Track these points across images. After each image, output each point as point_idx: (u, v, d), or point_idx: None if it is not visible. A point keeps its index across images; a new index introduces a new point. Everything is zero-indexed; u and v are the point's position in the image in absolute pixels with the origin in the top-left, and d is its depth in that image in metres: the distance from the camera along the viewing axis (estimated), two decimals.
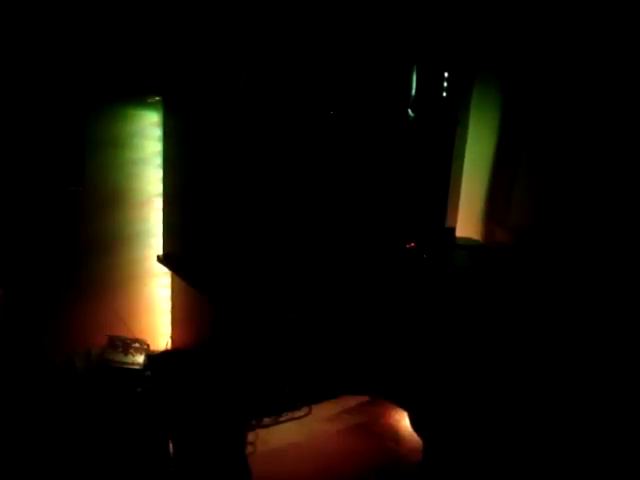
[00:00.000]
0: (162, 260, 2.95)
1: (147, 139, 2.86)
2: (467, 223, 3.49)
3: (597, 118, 2.91)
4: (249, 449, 2.61)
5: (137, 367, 2.86)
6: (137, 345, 2.97)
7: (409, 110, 3.03)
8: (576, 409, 2.80)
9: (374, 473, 2.58)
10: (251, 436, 2.67)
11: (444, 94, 3.13)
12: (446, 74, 3.11)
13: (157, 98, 2.79)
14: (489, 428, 2.78)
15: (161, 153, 2.88)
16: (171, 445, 2.53)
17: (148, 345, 3.01)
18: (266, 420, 2.78)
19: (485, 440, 2.73)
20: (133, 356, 2.89)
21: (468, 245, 3.28)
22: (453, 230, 3.41)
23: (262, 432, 2.73)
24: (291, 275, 2.75)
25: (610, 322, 2.84)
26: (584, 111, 2.96)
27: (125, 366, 2.85)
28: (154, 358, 2.95)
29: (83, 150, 2.70)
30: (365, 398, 3.02)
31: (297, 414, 2.85)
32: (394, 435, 2.83)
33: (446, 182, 3.30)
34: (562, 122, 3.06)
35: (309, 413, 2.87)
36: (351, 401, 2.97)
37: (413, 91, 3.01)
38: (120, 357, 2.88)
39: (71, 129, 2.65)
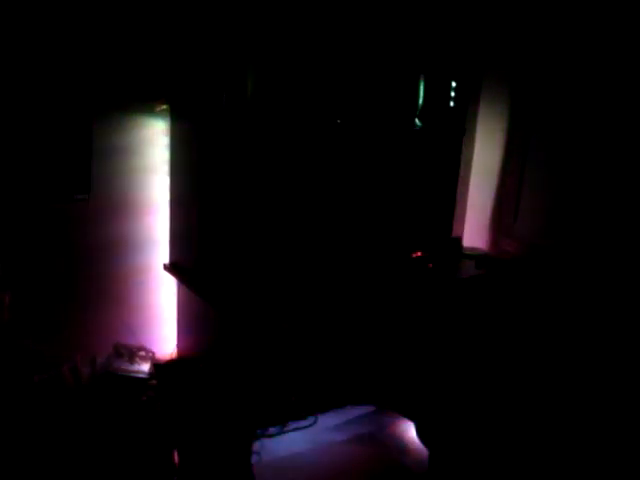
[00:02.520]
0: (168, 268, 2.95)
1: (154, 147, 2.86)
2: (474, 232, 3.48)
3: (607, 128, 2.90)
4: (254, 458, 2.60)
5: (142, 375, 2.86)
6: (142, 353, 2.97)
7: (416, 119, 3.03)
8: (581, 418, 2.78)
9: None
10: (256, 445, 2.66)
11: (451, 103, 3.13)
12: (453, 83, 3.11)
13: (164, 106, 2.80)
14: (495, 439, 2.76)
15: (168, 161, 2.89)
16: (176, 454, 2.53)
17: (154, 353, 3.01)
18: (271, 429, 2.77)
19: (491, 451, 2.71)
20: (139, 364, 2.90)
21: (474, 255, 3.27)
22: (460, 239, 3.40)
23: (267, 441, 2.72)
24: (296, 283, 2.75)
25: (617, 332, 2.82)
26: (594, 120, 2.95)
27: (130, 374, 2.85)
28: (160, 367, 2.95)
29: (89, 158, 2.70)
30: (371, 408, 3.00)
31: (302, 424, 2.84)
32: (400, 445, 2.81)
33: (453, 191, 3.30)
34: (571, 131, 3.06)
35: (315, 423, 2.86)
36: (357, 411, 2.96)
37: (420, 100, 3.02)
38: (126, 365, 2.88)
39: (77, 136, 2.66)
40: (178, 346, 3.11)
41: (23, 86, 2.48)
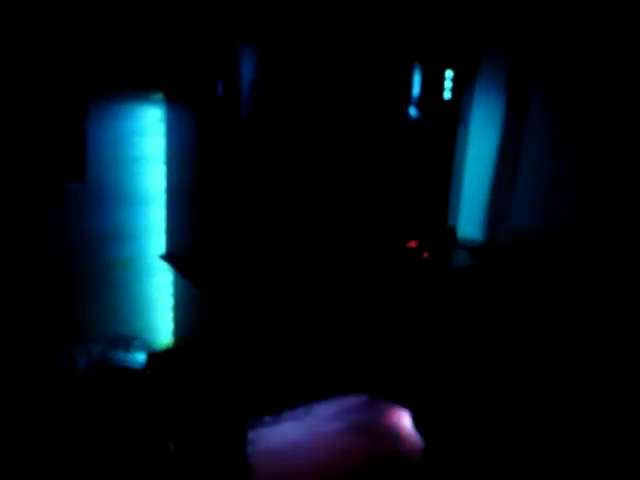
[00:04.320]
0: (164, 258, 2.95)
1: (150, 135, 2.86)
2: (469, 222, 3.47)
3: (599, 117, 2.90)
4: (249, 448, 2.60)
5: (138, 366, 2.86)
6: (138, 344, 2.97)
7: (411, 109, 3.03)
8: (576, 407, 2.79)
9: (374, 472, 2.57)
10: (251, 435, 2.66)
11: (446, 93, 3.13)
12: (448, 73, 3.11)
13: (160, 94, 2.79)
14: (490, 426, 2.77)
15: (163, 150, 2.88)
16: (171, 444, 2.53)
17: (149, 344, 3.00)
18: (266, 419, 2.78)
19: (486, 438, 2.72)
20: (134, 354, 2.89)
21: (469, 244, 3.27)
22: (455, 229, 3.40)
23: (262, 431, 2.72)
24: (291, 271, 2.75)
25: (612, 322, 2.82)
26: (587, 107, 2.95)
27: (126, 365, 2.85)
28: (155, 357, 2.95)
29: (83, 145, 2.69)
30: (365, 397, 3.00)
31: (297, 413, 2.84)
32: (394, 434, 2.81)
33: (448, 180, 3.30)
34: (564, 119, 3.06)
35: (309, 412, 2.86)
36: (351, 400, 2.96)
37: (415, 90, 3.02)
38: (121, 355, 2.88)
39: (71, 124, 2.65)
40: (174, 336, 3.11)
41: (17, 75, 2.48)
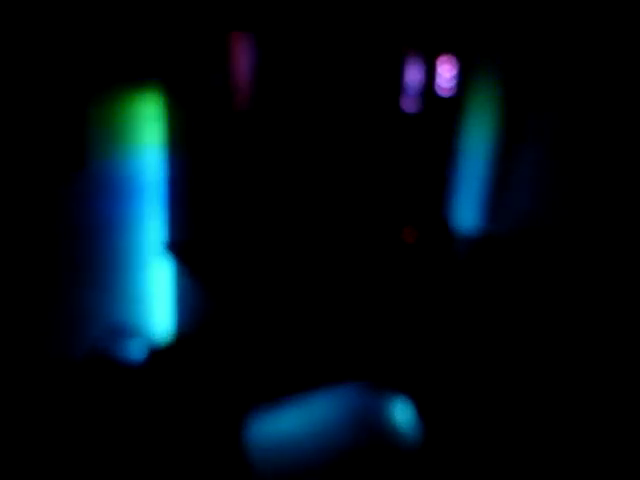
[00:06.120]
0: (166, 248, 2.94)
1: (150, 125, 2.84)
2: (465, 214, 3.47)
3: (599, 111, 2.90)
4: (247, 440, 2.59)
5: (137, 359, 2.85)
6: (138, 337, 2.96)
7: (408, 100, 3.04)
8: (575, 398, 2.77)
9: (372, 464, 2.55)
10: (249, 427, 2.65)
11: (444, 84, 3.14)
12: (446, 64, 3.12)
13: (160, 83, 2.79)
14: (493, 415, 2.76)
15: (164, 139, 2.88)
16: (170, 437, 2.52)
17: (149, 336, 3.00)
18: (264, 410, 2.77)
19: (489, 427, 2.70)
20: (133, 348, 2.89)
21: (467, 236, 3.27)
22: (452, 221, 3.40)
23: (260, 423, 2.71)
24: (284, 260, 2.75)
25: (613, 314, 2.81)
26: (587, 100, 2.96)
27: (125, 358, 2.84)
28: (154, 350, 2.94)
29: (84, 132, 2.68)
30: (364, 386, 2.99)
31: (294, 404, 2.83)
32: (393, 424, 2.79)
33: (444, 172, 3.30)
34: (564, 111, 3.06)
35: (306, 403, 2.85)
36: (349, 390, 2.95)
37: (412, 82, 3.03)
38: (120, 349, 2.88)
39: (72, 112, 2.64)
40: (175, 328, 3.09)
41: (17, 61, 2.48)
